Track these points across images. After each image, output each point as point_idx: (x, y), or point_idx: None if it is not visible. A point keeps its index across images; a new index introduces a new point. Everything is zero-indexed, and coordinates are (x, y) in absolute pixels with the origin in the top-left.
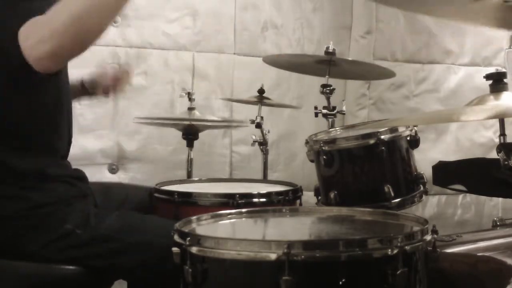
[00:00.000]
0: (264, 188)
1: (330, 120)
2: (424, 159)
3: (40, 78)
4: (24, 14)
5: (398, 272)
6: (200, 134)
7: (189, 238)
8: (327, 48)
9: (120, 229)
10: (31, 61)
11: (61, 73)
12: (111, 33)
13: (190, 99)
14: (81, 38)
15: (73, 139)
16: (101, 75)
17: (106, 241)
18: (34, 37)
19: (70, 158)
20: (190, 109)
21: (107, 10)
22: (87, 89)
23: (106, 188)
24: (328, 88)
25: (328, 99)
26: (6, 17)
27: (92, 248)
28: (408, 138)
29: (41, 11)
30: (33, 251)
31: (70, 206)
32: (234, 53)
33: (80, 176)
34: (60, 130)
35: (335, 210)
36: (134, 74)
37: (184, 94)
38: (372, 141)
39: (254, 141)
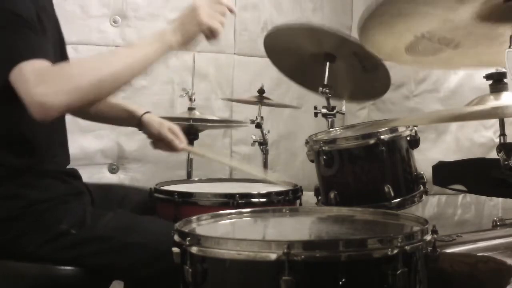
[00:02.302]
0: (264, 188)
1: (330, 120)
2: (424, 159)
3: None
4: (26, 48)
5: (398, 272)
6: (200, 134)
7: (189, 238)
8: None
9: (117, 230)
10: (32, 103)
11: None
12: (111, 33)
13: (190, 99)
14: (93, 101)
15: (73, 139)
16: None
17: (102, 241)
18: (49, 86)
19: (70, 158)
20: (190, 109)
21: (126, 78)
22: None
23: (105, 188)
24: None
25: (328, 99)
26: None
27: (87, 248)
28: (408, 138)
29: (42, 48)
30: (30, 251)
31: (65, 205)
32: (234, 53)
33: (73, 174)
34: (52, 129)
35: (335, 210)
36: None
37: (184, 94)
38: (372, 141)
39: (254, 141)
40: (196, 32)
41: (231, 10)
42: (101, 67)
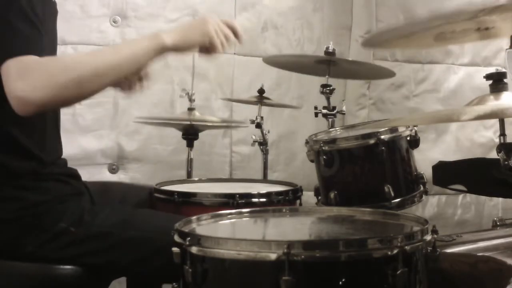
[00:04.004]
0: (264, 188)
1: (330, 120)
2: (424, 159)
3: None
4: (18, 43)
5: (398, 272)
6: (200, 134)
7: (189, 238)
8: (327, 48)
9: (116, 225)
10: (12, 99)
11: None
12: (111, 33)
13: (190, 100)
14: (75, 99)
15: (73, 139)
16: None
17: (102, 238)
18: (28, 82)
19: (70, 158)
20: (190, 109)
21: (110, 77)
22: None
23: (104, 187)
24: (328, 88)
25: (328, 99)
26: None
27: (88, 245)
28: (408, 138)
29: (34, 43)
30: (30, 251)
31: (64, 204)
32: (234, 53)
33: (73, 174)
34: (48, 131)
35: (335, 210)
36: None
37: (184, 94)
38: (372, 141)
39: (254, 141)
40: (196, 40)
41: (236, 35)
42: (82, 64)
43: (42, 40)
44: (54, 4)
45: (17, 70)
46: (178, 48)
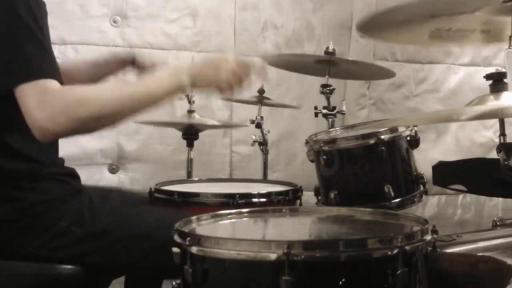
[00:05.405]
0: (264, 188)
1: (330, 120)
2: (424, 159)
3: None
4: (33, 64)
5: (398, 272)
6: (200, 134)
7: (189, 238)
8: (327, 48)
9: (116, 223)
10: (32, 126)
11: None
12: (111, 33)
13: (190, 102)
14: (93, 130)
15: (73, 139)
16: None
17: (102, 236)
18: (49, 113)
19: (70, 158)
20: (190, 111)
21: (128, 113)
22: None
23: (103, 192)
24: (328, 88)
25: (328, 99)
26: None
27: (88, 244)
28: (408, 138)
29: (46, 62)
30: (30, 252)
31: (64, 204)
32: (234, 53)
33: (72, 174)
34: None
35: (335, 210)
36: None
37: (183, 97)
38: (372, 141)
39: (254, 141)
40: (211, 81)
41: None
42: (103, 101)
43: (53, 59)
44: (44, 5)
45: (36, 98)
46: (195, 86)
